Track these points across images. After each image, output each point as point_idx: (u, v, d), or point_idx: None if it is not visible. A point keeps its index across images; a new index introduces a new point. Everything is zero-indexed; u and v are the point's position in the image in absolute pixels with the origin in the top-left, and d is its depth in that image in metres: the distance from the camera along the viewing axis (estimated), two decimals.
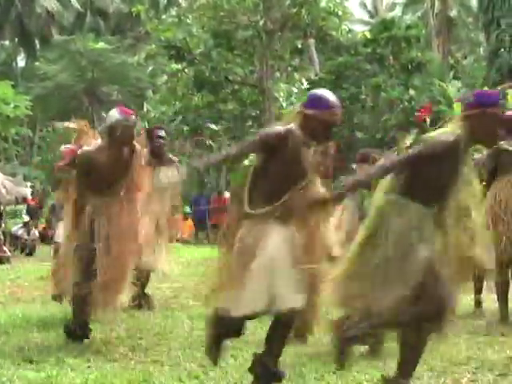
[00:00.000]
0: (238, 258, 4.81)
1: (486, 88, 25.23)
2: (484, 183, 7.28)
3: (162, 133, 8.97)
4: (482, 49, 34.09)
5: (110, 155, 6.61)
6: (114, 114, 6.66)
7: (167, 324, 7.43)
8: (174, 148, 24.42)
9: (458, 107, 23.48)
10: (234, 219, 5.03)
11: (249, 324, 6.76)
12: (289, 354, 5.99)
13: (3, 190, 14.87)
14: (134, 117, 6.77)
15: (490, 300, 8.29)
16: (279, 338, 4.96)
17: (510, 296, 7.78)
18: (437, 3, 36.71)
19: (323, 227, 5.78)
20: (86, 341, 6.43)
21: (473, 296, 8.29)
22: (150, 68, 34.02)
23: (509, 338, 6.57)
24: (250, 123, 28.83)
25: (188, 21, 27.42)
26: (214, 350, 5.00)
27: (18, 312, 8.10)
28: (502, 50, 27.32)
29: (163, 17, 35.47)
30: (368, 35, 26.52)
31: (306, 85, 28.87)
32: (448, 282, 4.61)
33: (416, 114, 8.19)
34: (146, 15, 29.59)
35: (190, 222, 25.09)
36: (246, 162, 5.65)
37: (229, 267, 4.84)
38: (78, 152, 6.82)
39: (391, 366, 5.43)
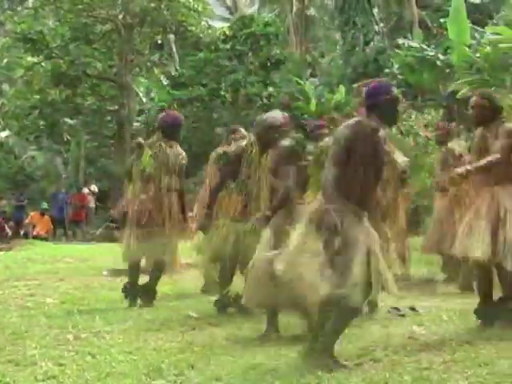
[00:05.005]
0: None
1: (341, 86, 25.97)
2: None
3: None
4: (338, 47, 34.87)
5: None
6: None
7: (23, 323, 7.25)
8: None
9: (313, 104, 24.09)
10: None
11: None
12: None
13: None
14: None
15: None
16: None
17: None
18: (294, 1, 37.28)
19: None
20: None
21: None
22: (5, 61, 33.05)
23: (362, 329, 6.74)
24: (108, 118, 28.53)
25: (44, 13, 26.87)
26: None
27: None
28: (357, 48, 28.07)
29: (18, 8, 34.53)
30: (227, 32, 26.75)
31: (165, 80, 28.81)
32: None
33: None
34: None
35: (47, 218, 24.60)
36: None
37: None
38: None
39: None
